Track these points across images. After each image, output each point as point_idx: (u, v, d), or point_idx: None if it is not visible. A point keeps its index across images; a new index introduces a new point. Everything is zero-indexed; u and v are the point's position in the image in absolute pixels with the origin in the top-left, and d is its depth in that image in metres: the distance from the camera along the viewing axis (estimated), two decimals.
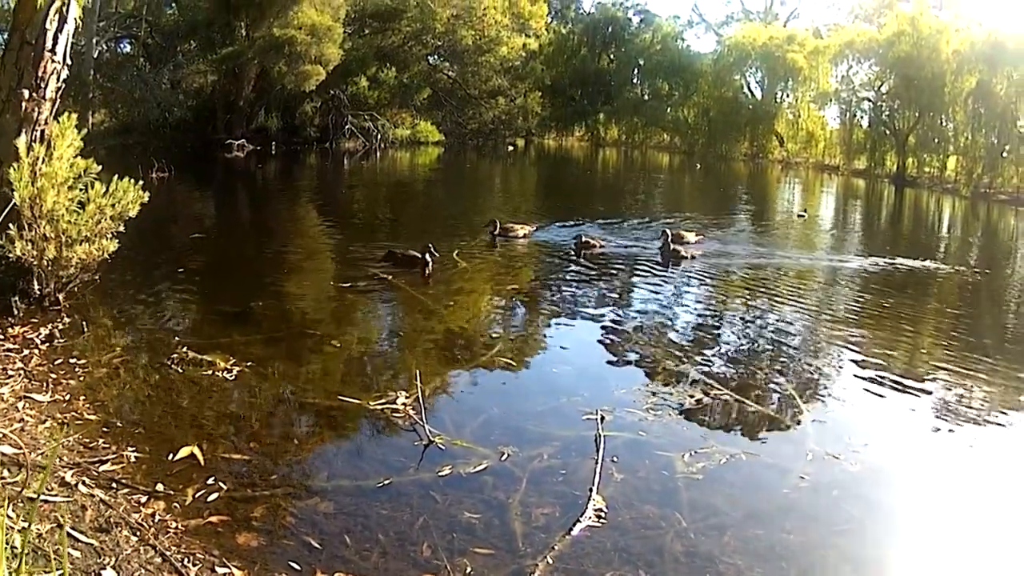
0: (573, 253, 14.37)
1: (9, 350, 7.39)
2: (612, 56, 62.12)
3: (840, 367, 9.08)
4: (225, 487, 5.28)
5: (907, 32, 39.35)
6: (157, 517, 4.70)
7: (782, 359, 9.28)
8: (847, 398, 8.09)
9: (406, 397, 7.10)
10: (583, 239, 14.84)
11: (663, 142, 60.03)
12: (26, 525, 3.67)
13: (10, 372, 6.77)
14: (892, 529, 5.52)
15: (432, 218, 19.84)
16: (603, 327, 10.14)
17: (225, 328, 9.25)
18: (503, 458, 6.05)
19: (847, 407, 7.85)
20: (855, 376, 8.67)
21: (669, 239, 14.33)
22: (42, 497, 4.50)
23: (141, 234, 10.87)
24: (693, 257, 14.44)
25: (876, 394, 8.12)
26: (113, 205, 8.93)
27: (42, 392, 6.41)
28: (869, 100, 45.27)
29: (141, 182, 9.18)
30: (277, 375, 7.73)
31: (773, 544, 5.05)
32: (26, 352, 7.42)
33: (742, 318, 11.09)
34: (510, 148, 49.80)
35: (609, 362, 8.88)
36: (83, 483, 4.89)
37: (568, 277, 13.00)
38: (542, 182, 36.90)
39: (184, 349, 8.04)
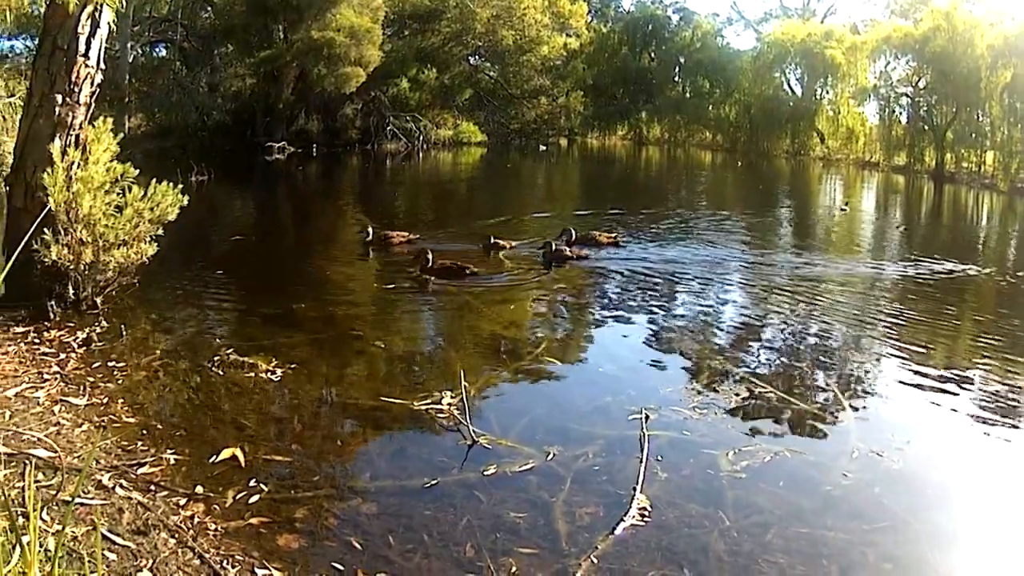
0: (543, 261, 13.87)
1: (45, 354, 7.43)
2: (653, 54, 62.02)
3: (881, 365, 9.00)
4: (267, 489, 5.27)
5: (942, 27, 39.12)
6: (196, 519, 4.70)
7: (824, 357, 9.22)
8: (889, 395, 8.01)
9: (451, 397, 7.07)
10: (552, 246, 14.03)
11: (705, 140, 59.85)
12: (61, 528, 3.67)
13: (46, 376, 6.81)
14: (933, 527, 5.48)
15: (476, 218, 19.73)
16: (647, 326, 10.09)
17: (267, 330, 9.28)
18: (548, 458, 6.02)
19: (889, 404, 7.79)
20: (896, 374, 8.59)
21: (552, 247, 13.89)
22: (78, 500, 4.52)
23: (181, 237, 10.94)
24: (580, 257, 14.01)
25: (917, 392, 8.04)
26: (152, 209, 8.99)
27: (79, 396, 6.44)
28: (907, 96, 44.97)
29: (180, 185, 9.22)
30: (320, 377, 7.74)
31: (815, 542, 5.03)
32: (62, 356, 7.45)
33: (784, 316, 11.00)
34: (542, 148, 49.55)
35: (653, 361, 8.81)
36: (120, 486, 4.90)
37: (611, 278, 12.92)
38: (584, 181, 36.84)
39: (226, 351, 8.07)
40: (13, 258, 3.26)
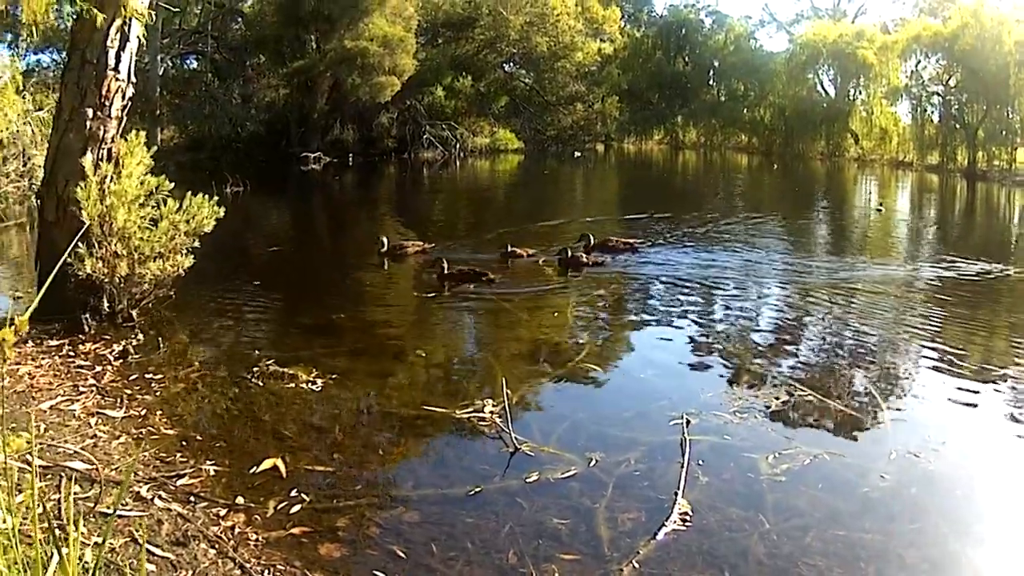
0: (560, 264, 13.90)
1: (80, 367, 7.46)
2: (687, 58, 62.12)
3: (918, 366, 8.95)
4: (308, 499, 5.25)
5: (970, 24, 39.04)
6: (237, 530, 4.69)
7: (862, 359, 9.16)
8: (925, 397, 7.97)
9: (492, 405, 7.05)
10: (568, 252, 14.01)
11: (741, 143, 59.85)
12: (102, 541, 3.66)
13: (81, 389, 6.83)
14: (969, 528, 5.45)
15: (511, 224, 19.72)
16: (686, 331, 10.07)
17: (307, 340, 9.31)
18: (590, 464, 6.01)
19: (925, 406, 7.74)
20: (933, 375, 8.55)
21: (568, 253, 13.87)
22: (116, 512, 4.51)
23: (218, 248, 10.98)
24: (597, 264, 13.98)
25: (953, 393, 7.98)
26: (187, 221, 9.02)
27: (116, 408, 6.46)
28: (938, 95, 44.81)
29: (216, 197, 9.25)
30: (361, 386, 7.72)
31: (853, 544, 5.01)
32: (98, 368, 7.48)
33: (822, 319, 10.96)
34: (577, 155, 49.58)
35: (693, 366, 8.80)
36: (159, 497, 4.90)
37: (650, 283, 12.88)
38: (621, 187, 36.79)
39: (266, 362, 8.07)
40: (53, 273, 3.24)
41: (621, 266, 14.13)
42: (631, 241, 15.74)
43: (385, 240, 14.59)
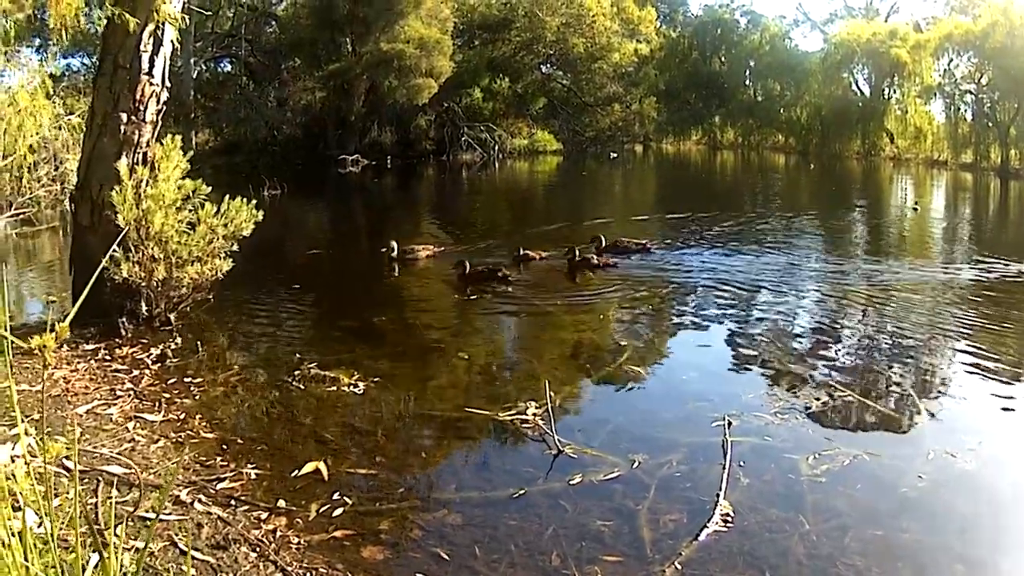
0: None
1: (117, 371, 7.49)
2: (723, 58, 62.17)
3: (955, 367, 8.95)
4: (350, 502, 5.25)
5: (1000, 22, 38.93)
6: (278, 533, 4.68)
7: (900, 360, 9.15)
8: (963, 397, 7.96)
9: (536, 407, 7.04)
10: (576, 253, 13.88)
11: (778, 143, 59.83)
12: (144, 545, 3.65)
13: (118, 393, 6.85)
14: (1005, 528, 5.46)
15: (551, 224, 19.74)
16: (727, 333, 10.08)
17: (347, 344, 9.32)
18: (633, 466, 6.01)
19: (962, 406, 7.74)
20: (969, 375, 8.56)
21: (576, 254, 13.79)
22: (159, 516, 4.51)
23: (256, 252, 11.00)
24: (608, 265, 13.88)
25: (990, 393, 7.97)
26: (225, 225, 9.05)
27: (154, 412, 6.47)
28: (971, 93, 44.62)
29: (254, 200, 9.27)
30: (403, 389, 7.71)
31: (891, 544, 5.04)
32: (135, 372, 7.51)
33: (860, 320, 10.97)
34: (613, 156, 49.59)
35: (733, 367, 8.82)
36: (199, 501, 4.90)
37: (688, 285, 12.85)
38: (659, 187, 36.86)
39: (307, 365, 8.08)
40: (93, 279, 3.23)
41: (653, 268, 14.09)
42: (643, 241, 15.71)
43: (395, 244, 14.52)
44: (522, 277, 12.77)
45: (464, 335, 10.25)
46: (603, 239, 14.94)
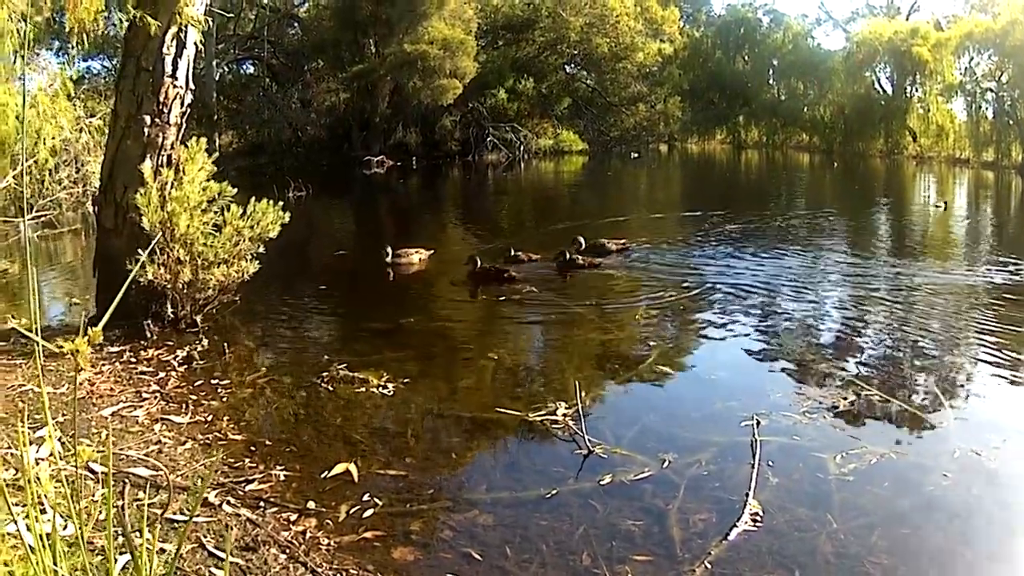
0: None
1: (143, 373, 7.51)
2: (746, 58, 62.20)
3: (979, 365, 8.98)
4: (380, 503, 5.24)
5: (1019, 20, 38.99)
6: (308, 535, 4.67)
7: (925, 359, 9.19)
8: (988, 395, 8.00)
9: (565, 408, 7.05)
10: (566, 255, 14.20)
11: (802, 142, 59.93)
12: (167, 547, 3.64)
13: (144, 395, 6.87)
14: None
15: (576, 224, 19.73)
16: (754, 332, 10.09)
17: (376, 345, 9.32)
18: (663, 465, 6.03)
19: (987, 404, 7.79)
20: (993, 374, 8.60)
21: (566, 256, 14.07)
22: (182, 517, 4.51)
23: (282, 253, 11.01)
24: (593, 265, 14.08)
25: (1016, 393, 8.07)
26: (251, 227, 9.07)
27: (181, 414, 6.48)
28: (991, 91, 44.60)
29: (280, 202, 9.30)
30: (432, 390, 7.74)
31: (917, 542, 5.10)
32: (162, 374, 7.52)
33: (886, 319, 10.99)
34: (634, 155, 49.70)
35: (761, 367, 8.87)
36: (228, 503, 4.90)
37: (713, 283, 12.85)
38: (685, 186, 36.96)
39: (335, 367, 8.10)
40: (126, 284, 3.23)
41: (678, 267, 14.15)
42: (622, 241, 15.97)
43: (390, 249, 14.51)
44: (546, 279, 12.77)
45: (491, 336, 10.27)
46: (583, 240, 15.05)
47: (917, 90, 50.53)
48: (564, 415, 6.94)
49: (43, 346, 2.65)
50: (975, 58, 45.74)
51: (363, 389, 7.56)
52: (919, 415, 7.27)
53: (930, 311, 11.19)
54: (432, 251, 15.12)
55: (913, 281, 13.00)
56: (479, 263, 12.77)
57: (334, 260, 15.47)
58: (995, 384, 8.20)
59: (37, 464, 2.88)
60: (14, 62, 10.84)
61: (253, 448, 6.03)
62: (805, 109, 58.98)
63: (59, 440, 4.44)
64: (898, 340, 9.96)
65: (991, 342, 9.65)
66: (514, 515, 5.26)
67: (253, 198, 9.21)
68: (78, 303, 10.92)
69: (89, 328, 2.57)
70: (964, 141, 47.69)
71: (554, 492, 5.58)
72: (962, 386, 8.26)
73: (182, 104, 9.17)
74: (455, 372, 8.56)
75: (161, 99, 8.91)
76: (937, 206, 24.19)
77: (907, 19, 57.62)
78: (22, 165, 12.69)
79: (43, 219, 16.46)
